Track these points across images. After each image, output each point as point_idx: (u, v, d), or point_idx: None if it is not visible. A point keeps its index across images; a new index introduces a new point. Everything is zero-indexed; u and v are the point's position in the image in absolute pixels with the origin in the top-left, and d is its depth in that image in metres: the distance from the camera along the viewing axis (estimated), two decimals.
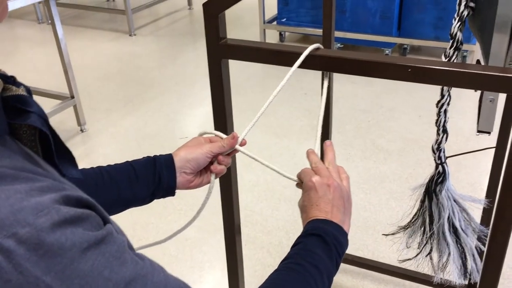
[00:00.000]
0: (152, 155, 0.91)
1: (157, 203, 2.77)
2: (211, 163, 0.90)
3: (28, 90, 0.58)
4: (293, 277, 0.68)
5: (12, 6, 2.31)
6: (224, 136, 0.90)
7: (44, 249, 0.42)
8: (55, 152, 0.56)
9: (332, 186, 0.78)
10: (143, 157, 0.90)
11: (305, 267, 0.68)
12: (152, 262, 0.52)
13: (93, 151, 2.86)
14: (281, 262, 0.72)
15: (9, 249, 0.41)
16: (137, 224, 2.27)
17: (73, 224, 0.44)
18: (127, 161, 0.89)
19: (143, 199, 0.88)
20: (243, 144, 0.90)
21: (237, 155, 0.97)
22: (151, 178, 0.87)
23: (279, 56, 0.95)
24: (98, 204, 0.50)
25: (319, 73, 0.98)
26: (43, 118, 0.55)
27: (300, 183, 0.84)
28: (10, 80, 0.56)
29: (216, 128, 1.03)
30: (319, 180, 0.78)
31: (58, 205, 0.44)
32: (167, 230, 0.99)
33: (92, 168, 0.87)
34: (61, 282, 0.43)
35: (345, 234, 0.75)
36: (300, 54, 0.89)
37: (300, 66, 0.91)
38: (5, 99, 0.54)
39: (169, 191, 0.89)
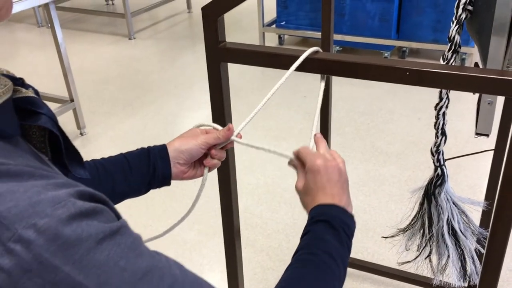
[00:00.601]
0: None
1: (156, 205, 2.75)
2: (205, 155, 0.91)
3: (36, 91, 0.60)
4: (309, 268, 0.67)
5: None
6: (220, 128, 0.90)
7: (62, 240, 0.43)
8: (64, 152, 0.57)
9: (336, 168, 0.77)
10: (137, 149, 0.91)
11: (318, 256, 0.68)
12: (168, 258, 0.53)
13: (93, 154, 2.85)
14: (293, 255, 0.71)
15: (29, 239, 0.42)
16: (136, 227, 2.25)
17: (88, 217, 0.45)
18: (121, 153, 0.89)
19: (139, 190, 0.89)
20: (238, 138, 0.90)
21: (237, 158, 0.98)
22: (145, 169, 0.87)
23: (278, 60, 0.95)
24: (109, 200, 0.51)
25: (319, 76, 0.98)
26: (53, 119, 0.56)
27: (294, 161, 0.83)
28: (19, 82, 0.58)
29: None
30: (323, 164, 0.77)
31: (74, 198, 0.45)
32: (159, 233, 0.99)
33: (86, 161, 0.87)
34: (79, 272, 0.44)
35: (351, 216, 0.75)
36: (299, 57, 0.90)
37: (299, 70, 0.91)
38: (15, 101, 0.54)
39: (165, 182, 0.90)
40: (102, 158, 0.88)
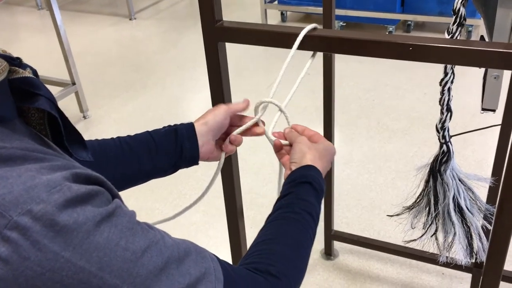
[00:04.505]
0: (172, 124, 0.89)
1: (161, 188, 2.75)
2: (223, 140, 0.90)
3: (34, 72, 0.58)
4: (294, 225, 0.71)
5: None
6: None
7: (60, 225, 0.42)
8: (64, 134, 0.55)
9: (318, 137, 0.86)
10: (164, 127, 0.88)
11: (301, 215, 0.72)
12: (158, 229, 0.54)
13: (96, 137, 2.84)
14: (273, 212, 0.74)
15: (26, 226, 0.41)
16: (142, 210, 2.27)
17: (84, 201, 0.45)
18: (147, 131, 0.87)
19: (165, 171, 0.87)
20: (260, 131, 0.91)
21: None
22: (172, 150, 0.85)
23: (276, 38, 0.93)
24: (107, 180, 0.50)
25: (321, 53, 0.96)
26: (52, 100, 0.54)
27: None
28: (16, 62, 0.56)
29: None
30: (305, 139, 0.85)
31: (69, 182, 0.44)
32: (170, 215, 0.98)
33: (112, 139, 0.85)
34: (80, 256, 0.43)
35: (324, 180, 0.80)
36: (296, 35, 0.87)
37: (298, 48, 0.89)
38: (11, 82, 0.53)
39: (192, 162, 0.87)
40: (128, 136, 0.86)
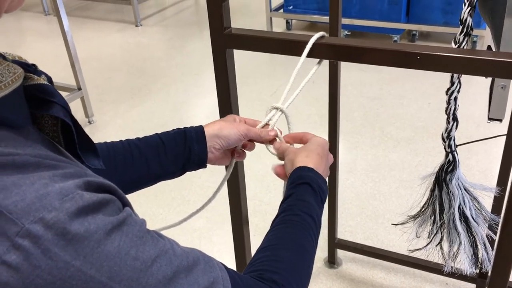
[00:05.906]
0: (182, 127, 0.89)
1: (165, 193, 2.74)
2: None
3: (49, 79, 0.58)
4: (294, 228, 0.71)
5: None
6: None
7: (72, 234, 0.42)
8: (77, 142, 0.55)
9: (317, 141, 0.85)
10: (173, 130, 0.88)
11: (300, 216, 0.72)
12: (168, 238, 0.54)
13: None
14: (277, 216, 0.74)
15: (37, 234, 0.41)
16: (146, 215, 2.26)
17: (95, 210, 0.45)
18: (156, 134, 0.87)
19: (173, 173, 0.87)
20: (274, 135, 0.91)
21: None
22: (181, 152, 0.85)
23: (284, 45, 0.93)
24: (118, 188, 0.50)
25: (327, 61, 0.96)
26: (66, 108, 0.54)
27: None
28: (31, 69, 0.56)
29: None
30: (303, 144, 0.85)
31: (81, 191, 0.44)
32: (176, 221, 0.98)
33: (121, 141, 0.85)
34: (90, 266, 0.43)
35: (325, 182, 0.80)
36: (304, 42, 0.88)
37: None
38: (26, 88, 0.53)
39: (200, 165, 0.87)
40: (137, 138, 0.86)
